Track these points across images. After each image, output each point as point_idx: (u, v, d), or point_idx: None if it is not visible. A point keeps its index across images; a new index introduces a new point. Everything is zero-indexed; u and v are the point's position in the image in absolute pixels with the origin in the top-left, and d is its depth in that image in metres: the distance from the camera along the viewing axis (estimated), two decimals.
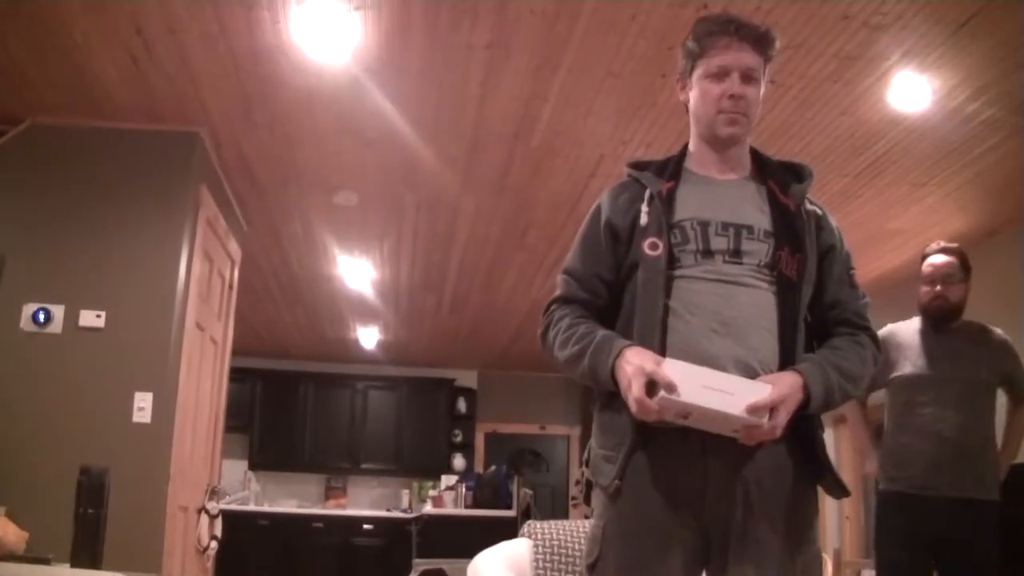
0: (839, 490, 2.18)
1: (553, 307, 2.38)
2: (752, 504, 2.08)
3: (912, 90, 4.61)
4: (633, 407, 2.04)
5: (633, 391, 2.03)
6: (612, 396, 2.18)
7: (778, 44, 2.33)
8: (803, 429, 2.13)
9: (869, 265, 7.09)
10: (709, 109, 2.29)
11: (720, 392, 2.00)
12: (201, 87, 4.82)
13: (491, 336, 10.04)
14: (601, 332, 2.21)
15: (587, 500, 2.31)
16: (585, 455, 2.35)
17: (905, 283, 7.30)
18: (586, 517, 4.10)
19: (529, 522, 4.36)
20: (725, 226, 2.22)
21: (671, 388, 1.97)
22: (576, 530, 4.17)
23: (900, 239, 6.61)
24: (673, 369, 2.02)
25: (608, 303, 2.32)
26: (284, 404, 11.35)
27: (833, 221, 2.39)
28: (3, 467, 4.58)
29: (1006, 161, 5.29)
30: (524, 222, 6.64)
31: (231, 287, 6.26)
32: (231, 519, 6.87)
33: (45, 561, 3.44)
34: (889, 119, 4.91)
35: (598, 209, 2.39)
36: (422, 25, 4.24)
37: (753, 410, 1.99)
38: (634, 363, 2.06)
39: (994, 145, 5.11)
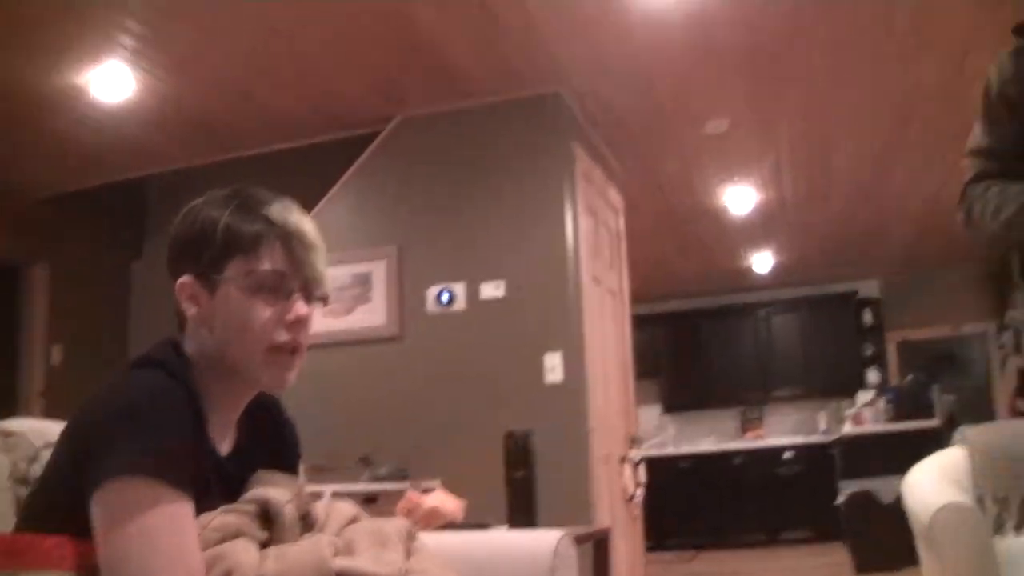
0: None
1: (967, 190, 2.26)
2: None
3: None
4: None
5: None
6: None
7: None
8: None
9: None
10: None
11: None
12: (552, 46, 4.83)
13: (887, 240, 9.52)
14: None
15: None
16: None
17: None
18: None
19: (961, 428, 4.07)
20: None
21: None
22: (1017, 431, 3.83)
23: None
24: None
25: (1020, 159, 2.19)
26: (688, 344, 11.35)
27: None
28: (432, 443, 4.85)
29: None
30: (904, 114, 6.20)
31: (619, 236, 6.28)
32: (652, 464, 6.92)
33: (485, 526, 3.57)
34: None
35: (988, 83, 2.26)
36: None
37: None
38: None
39: None
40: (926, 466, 3.79)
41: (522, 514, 3.83)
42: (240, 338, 1.40)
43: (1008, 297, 2.32)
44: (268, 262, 1.40)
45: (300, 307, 1.43)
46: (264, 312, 1.40)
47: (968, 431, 3.89)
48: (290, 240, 1.42)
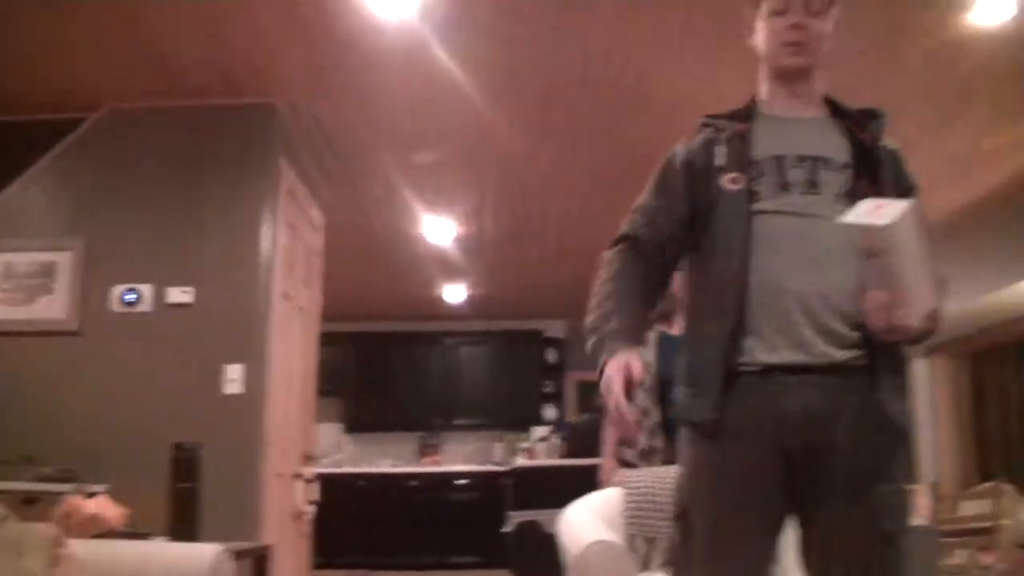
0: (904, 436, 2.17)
1: (615, 245, 2.39)
2: (831, 445, 2.06)
3: (997, 2, 4.42)
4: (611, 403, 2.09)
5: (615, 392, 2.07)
6: (696, 339, 2.22)
7: None
8: (882, 368, 2.12)
9: (965, 189, 6.84)
10: (773, 42, 2.31)
11: (920, 267, 2.00)
12: (273, 56, 4.81)
13: (577, 286, 9.92)
14: (615, 322, 2.22)
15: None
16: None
17: (1004, 204, 7.05)
18: (667, 463, 4.05)
19: (620, 470, 4.33)
20: (801, 159, 2.21)
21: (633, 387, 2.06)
22: (667, 476, 4.12)
23: (997, 157, 6.32)
24: (907, 214, 1.97)
25: (673, 236, 2.31)
26: (376, 365, 11.42)
27: (907, 164, 2.35)
28: (102, 446, 4.68)
29: None
30: (607, 170, 6.54)
31: (316, 254, 6.28)
32: (328, 482, 6.95)
33: (144, 536, 3.50)
34: (977, 36, 4.68)
35: (672, 155, 2.38)
36: None
37: (920, 310, 2.01)
38: (618, 362, 2.10)
39: None
40: (583, 504, 4.02)
41: (184, 527, 3.76)
42: None
43: None
44: None
45: None
46: None
47: (626, 473, 4.15)
48: None
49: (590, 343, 2.24)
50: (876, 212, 1.97)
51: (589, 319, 2.28)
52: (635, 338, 2.21)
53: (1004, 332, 8.06)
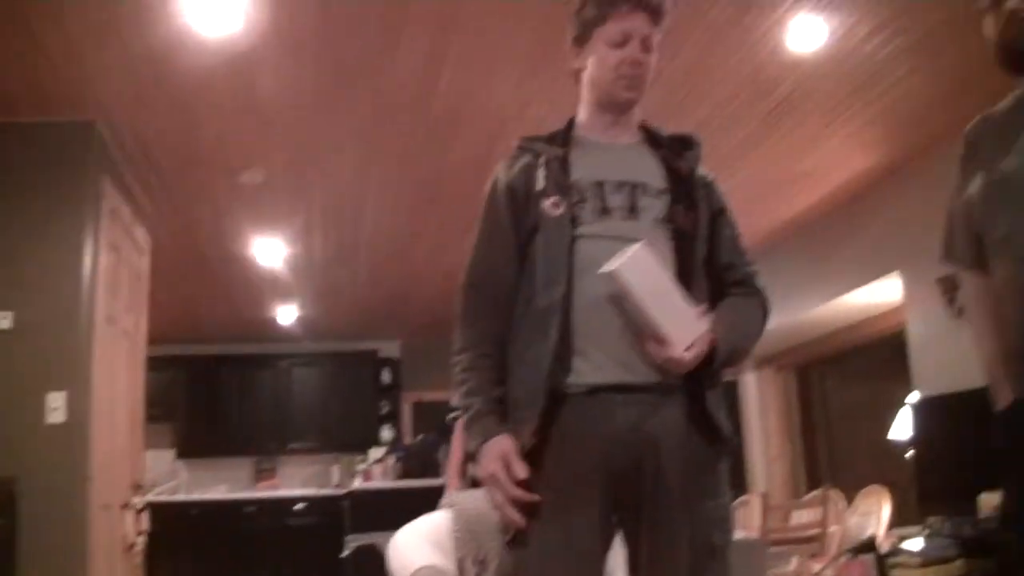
0: (727, 452, 2.25)
1: (463, 293, 2.38)
2: (658, 462, 2.12)
3: (810, 31, 4.63)
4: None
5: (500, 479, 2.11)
6: (520, 363, 2.23)
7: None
8: (699, 385, 2.18)
9: (779, 208, 7.18)
10: (608, 74, 2.33)
11: (664, 301, 2.07)
12: (90, 74, 4.67)
13: (410, 305, 9.97)
14: (479, 403, 2.23)
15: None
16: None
17: (817, 223, 7.42)
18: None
19: (448, 492, 4.32)
20: (620, 184, 2.27)
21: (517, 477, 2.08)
22: None
23: (809, 180, 6.65)
24: (638, 254, 2.06)
25: (515, 274, 2.31)
26: (208, 389, 11.16)
27: (720, 189, 2.45)
28: None
29: (908, 96, 5.34)
30: (432, 191, 6.59)
31: (142, 276, 6.12)
32: (161, 511, 6.75)
33: None
34: (790, 62, 4.92)
35: (495, 182, 2.41)
36: None
37: (682, 339, 2.08)
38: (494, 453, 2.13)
39: (895, 81, 5.15)
40: (412, 527, 3.99)
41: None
42: None
43: None
44: None
45: None
46: None
47: (456, 496, 4.14)
48: None
49: (462, 419, 2.26)
50: (617, 258, 2.06)
51: (456, 392, 2.28)
52: (503, 415, 2.20)
53: (827, 345, 8.44)
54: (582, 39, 2.39)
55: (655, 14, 2.33)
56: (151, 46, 4.44)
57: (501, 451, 2.12)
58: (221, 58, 4.59)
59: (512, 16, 4.39)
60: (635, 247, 2.08)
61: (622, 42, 2.31)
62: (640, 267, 2.06)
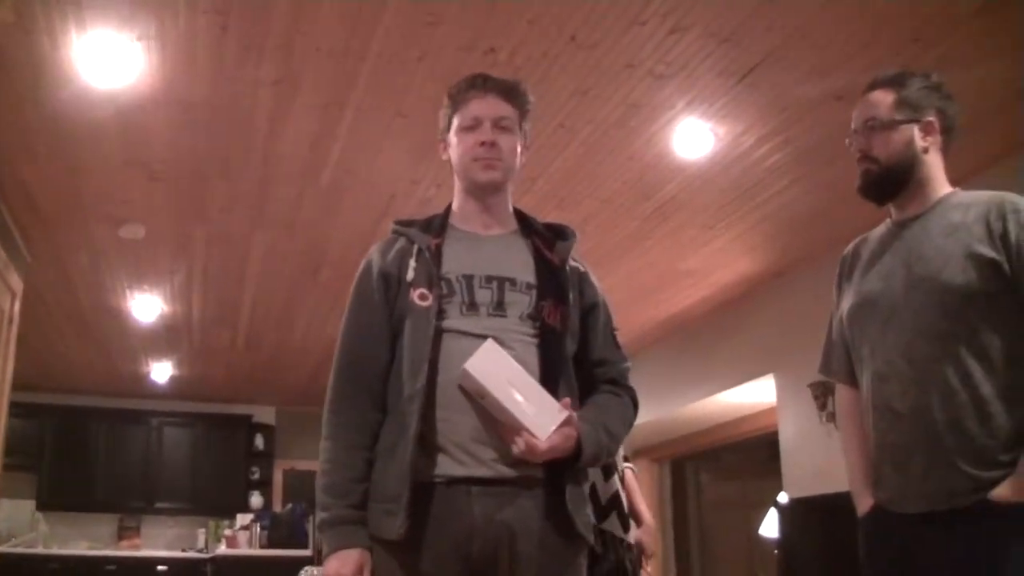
0: (585, 547, 2.27)
1: (335, 381, 2.35)
2: (513, 551, 2.13)
3: (697, 137, 4.82)
4: None
5: None
6: (385, 454, 2.22)
7: (530, 96, 2.48)
8: (561, 479, 2.20)
9: (661, 305, 7.34)
10: (465, 158, 2.38)
11: (520, 394, 2.11)
12: None
13: (288, 373, 9.91)
14: (340, 506, 2.22)
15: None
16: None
17: (698, 321, 7.59)
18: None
19: (306, 568, 4.31)
20: (489, 279, 2.28)
21: None
22: None
23: (691, 279, 6.86)
24: (489, 352, 2.11)
25: (386, 361, 2.31)
26: (75, 441, 10.86)
27: (596, 281, 2.48)
28: None
29: (792, 205, 5.58)
30: (317, 261, 6.63)
31: (11, 321, 6.01)
32: (17, 563, 6.51)
33: None
34: (676, 165, 5.11)
35: (369, 264, 2.41)
36: (208, 58, 4.23)
37: (541, 429, 2.10)
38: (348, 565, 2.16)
39: (779, 190, 5.37)
40: None
41: None
42: None
43: None
44: None
45: None
46: None
47: (312, 571, 4.14)
48: None
49: (318, 520, 2.26)
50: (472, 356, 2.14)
51: (318, 485, 2.27)
52: (363, 521, 2.20)
53: (703, 440, 8.62)
54: (445, 130, 2.46)
55: (506, 93, 2.40)
56: (41, 96, 4.48)
57: (357, 564, 2.16)
58: (110, 111, 4.64)
59: (406, 96, 4.53)
60: (484, 344, 2.15)
61: (473, 126, 2.36)
62: (490, 362, 2.12)
